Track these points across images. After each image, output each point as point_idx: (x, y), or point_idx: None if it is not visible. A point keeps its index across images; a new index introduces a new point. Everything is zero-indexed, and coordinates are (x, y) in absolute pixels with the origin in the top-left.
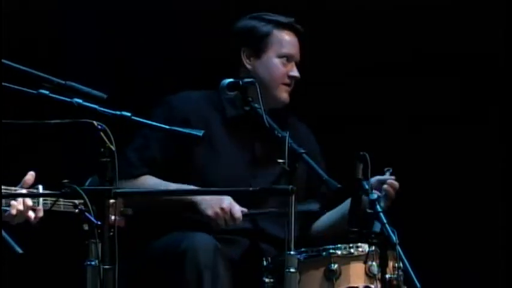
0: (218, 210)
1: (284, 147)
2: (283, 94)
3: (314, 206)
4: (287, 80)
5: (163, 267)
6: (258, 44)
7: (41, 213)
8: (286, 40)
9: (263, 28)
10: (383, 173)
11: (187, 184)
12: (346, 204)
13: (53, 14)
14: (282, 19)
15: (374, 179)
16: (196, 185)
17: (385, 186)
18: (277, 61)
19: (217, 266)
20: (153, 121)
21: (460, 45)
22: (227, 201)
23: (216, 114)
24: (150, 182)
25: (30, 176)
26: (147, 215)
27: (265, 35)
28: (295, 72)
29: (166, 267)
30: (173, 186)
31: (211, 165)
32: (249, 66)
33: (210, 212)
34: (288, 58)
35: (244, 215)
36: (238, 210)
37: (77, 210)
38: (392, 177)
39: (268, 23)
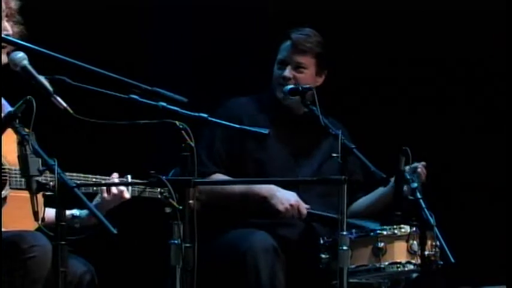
0: (288, 206)
1: (337, 143)
2: (279, 94)
3: (373, 225)
4: (281, 81)
5: (224, 265)
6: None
7: (128, 196)
8: (281, 48)
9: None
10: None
11: (244, 176)
12: (380, 191)
13: (136, 19)
14: (288, 32)
15: (408, 167)
16: (252, 177)
17: (418, 170)
18: (275, 67)
19: (274, 266)
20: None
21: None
22: (295, 198)
23: (262, 115)
24: (220, 178)
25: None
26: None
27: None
28: (285, 73)
29: (228, 265)
30: (238, 186)
31: (263, 158)
32: None
33: (281, 207)
34: (281, 63)
35: (308, 212)
36: (304, 207)
37: (159, 196)
38: (423, 163)
39: (283, 35)
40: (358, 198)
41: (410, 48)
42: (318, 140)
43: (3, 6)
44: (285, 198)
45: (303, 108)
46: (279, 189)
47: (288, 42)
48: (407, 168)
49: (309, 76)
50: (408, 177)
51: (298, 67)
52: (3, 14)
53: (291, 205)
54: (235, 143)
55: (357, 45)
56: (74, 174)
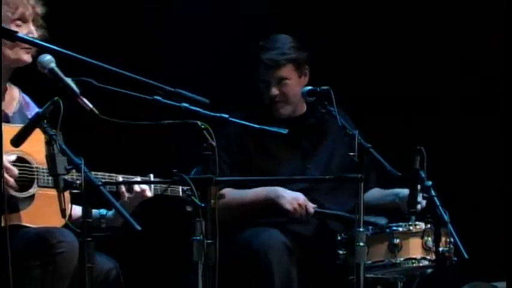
0: (296, 206)
1: (354, 143)
2: (275, 111)
3: (382, 220)
4: (270, 101)
5: (238, 262)
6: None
7: (150, 195)
8: (259, 68)
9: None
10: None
11: (253, 186)
12: (390, 194)
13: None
14: (263, 55)
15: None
16: (265, 181)
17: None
18: (260, 86)
19: (286, 263)
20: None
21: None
22: (302, 198)
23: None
24: (229, 191)
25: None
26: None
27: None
28: (270, 92)
29: (241, 262)
30: (249, 191)
31: (271, 168)
32: None
33: (289, 207)
34: (263, 82)
35: (314, 211)
36: (311, 206)
37: (181, 194)
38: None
39: (258, 54)
40: (369, 189)
41: (426, 48)
42: (322, 138)
43: (30, 10)
44: (293, 198)
45: (303, 108)
46: (285, 190)
47: (263, 63)
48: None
49: (294, 84)
50: (423, 175)
51: (280, 82)
52: (30, 17)
53: (299, 204)
54: (240, 158)
55: (370, 46)
56: (99, 173)
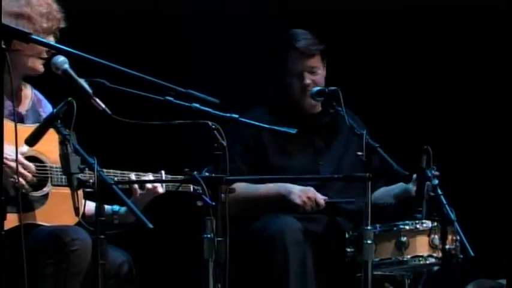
0: (305, 199)
1: (362, 142)
2: (308, 103)
3: (390, 200)
4: (303, 91)
5: (257, 247)
6: (280, 60)
7: (161, 191)
8: (289, 59)
9: (282, 48)
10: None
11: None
12: (400, 187)
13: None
14: (296, 43)
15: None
16: (275, 180)
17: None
18: (291, 79)
19: (301, 245)
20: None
21: None
22: (311, 191)
23: (279, 122)
24: (241, 185)
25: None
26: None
27: (284, 54)
28: (304, 81)
29: (259, 247)
30: (261, 186)
31: (285, 165)
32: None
33: (298, 201)
34: (297, 74)
35: (325, 202)
36: (321, 198)
37: (191, 189)
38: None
39: (285, 44)
40: (378, 188)
41: (432, 45)
42: (334, 136)
43: (56, 24)
44: (302, 191)
45: (319, 107)
46: (294, 186)
47: (296, 52)
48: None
49: (321, 75)
50: (429, 174)
51: (311, 71)
52: (54, 31)
53: (308, 197)
54: (256, 155)
55: (376, 45)
56: (111, 170)
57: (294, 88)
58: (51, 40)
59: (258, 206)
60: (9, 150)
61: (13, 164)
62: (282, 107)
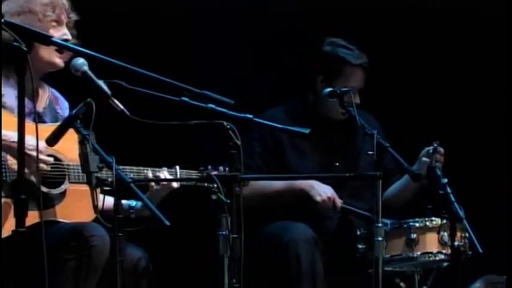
0: (325, 198)
1: (373, 142)
2: (341, 116)
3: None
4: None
5: (269, 253)
6: (331, 76)
7: (176, 186)
8: (353, 76)
9: (337, 64)
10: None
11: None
12: (405, 179)
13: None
14: (354, 60)
15: (424, 150)
16: (288, 178)
17: (437, 155)
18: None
19: (314, 256)
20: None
21: None
22: (331, 191)
23: (297, 122)
24: (259, 183)
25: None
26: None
27: (337, 71)
28: (356, 100)
29: (270, 254)
30: (277, 183)
31: (301, 164)
32: (321, 88)
33: (318, 198)
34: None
35: (341, 207)
36: (339, 201)
37: (206, 185)
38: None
39: (342, 60)
40: (392, 183)
41: (440, 46)
42: (351, 136)
43: (65, 13)
44: (323, 190)
45: (340, 110)
46: (317, 182)
47: (358, 70)
48: (423, 152)
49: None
50: (439, 173)
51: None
52: (65, 20)
53: (328, 197)
54: (274, 153)
55: (387, 44)
56: (127, 167)
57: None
58: (65, 31)
59: (278, 199)
60: (29, 140)
61: (34, 153)
62: (300, 107)
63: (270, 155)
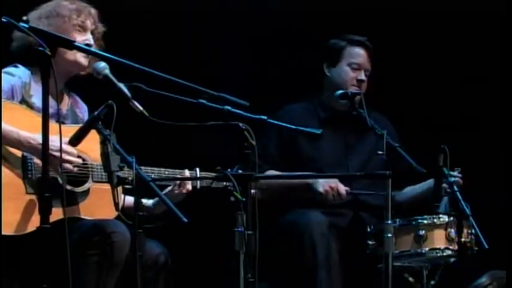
0: (328, 188)
1: (383, 142)
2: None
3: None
4: (355, 83)
5: (286, 241)
6: (334, 58)
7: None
8: (355, 53)
9: (338, 45)
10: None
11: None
12: (424, 184)
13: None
14: (354, 37)
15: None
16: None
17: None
18: (347, 69)
19: (327, 236)
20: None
21: None
22: (334, 181)
23: (313, 117)
24: (273, 173)
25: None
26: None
27: (339, 50)
28: (361, 77)
29: (289, 238)
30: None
31: (315, 157)
32: (328, 74)
33: (321, 189)
34: (356, 66)
35: (348, 193)
36: (343, 188)
37: (223, 184)
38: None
39: (343, 40)
40: (404, 187)
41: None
42: (365, 133)
43: (91, 20)
44: (325, 181)
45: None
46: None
47: (362, 49)
48: (444, 185)
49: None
50: (446, 172)
51: (365, 73)
52: (90, 28)
53: (331, 187)
54: (289, 145)
55: (391, 43)
56: (149, 168)
57: (345, 77)
58: (88, 37)
59: (287, 194)
60: (53, 141)
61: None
62: (315, 102)
63: (285, 147)
